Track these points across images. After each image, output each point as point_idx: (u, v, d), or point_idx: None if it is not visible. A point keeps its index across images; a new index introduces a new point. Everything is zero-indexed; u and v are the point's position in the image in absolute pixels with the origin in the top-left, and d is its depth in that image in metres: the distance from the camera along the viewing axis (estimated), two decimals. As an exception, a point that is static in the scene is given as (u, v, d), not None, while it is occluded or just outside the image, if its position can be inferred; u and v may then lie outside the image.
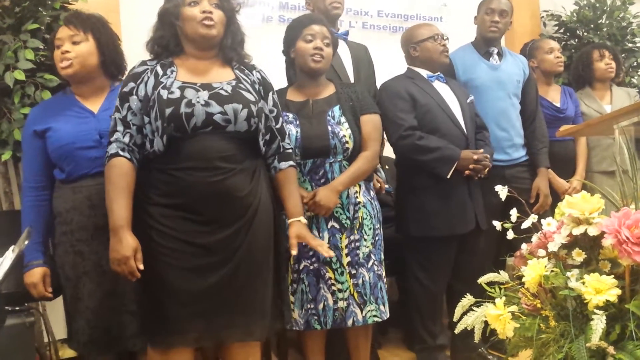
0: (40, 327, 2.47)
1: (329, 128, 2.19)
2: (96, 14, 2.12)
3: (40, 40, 2.41)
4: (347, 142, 2.19)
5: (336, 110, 2.24)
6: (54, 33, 2.11)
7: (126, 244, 1.70)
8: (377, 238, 2.28)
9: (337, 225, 2.19)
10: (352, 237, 2.20)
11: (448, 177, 2.45)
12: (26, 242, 1.55)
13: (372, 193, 2.33)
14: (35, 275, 1.97)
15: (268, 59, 2.59)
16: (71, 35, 2.00)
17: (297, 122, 2.20)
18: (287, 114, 2.22)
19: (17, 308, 2.24)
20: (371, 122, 2.28)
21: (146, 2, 2.96)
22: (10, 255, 1.48)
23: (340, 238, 2.19)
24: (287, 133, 2.08)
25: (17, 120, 2.37)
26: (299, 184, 2.13)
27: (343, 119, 2.22)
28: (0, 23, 2.44)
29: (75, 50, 1.99)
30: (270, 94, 1.99)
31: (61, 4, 2.55)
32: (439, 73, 2.67)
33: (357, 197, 2.23)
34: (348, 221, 2.20)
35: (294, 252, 1.94)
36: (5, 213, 2.60)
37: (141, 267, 1.72)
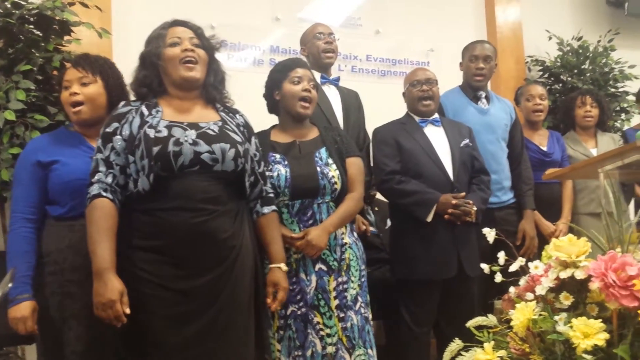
0: (20, 372, 2.40)
1: (318, 169, 2.18)
2: (103, 57, 2.13)
3: (32, 81, 2.43)
4: (335, 182, 2.19)
5: (323, 152, 2.25)
6: (62, 73, 2.12)
7: (112, 287, 1.65)
8: (362, 280, 2.25)
9: (324, 268, 2.15)
10: (339, 279, 2.16)
11: (428, 220, 2.46)
12: (10, 285, 1.53)
13: (355, 234, 2.31)
14: (24, 308, 1.83)
15: (259, 101, 2.62)
16: (80, 77, 2.00)
17: (286, 163, 2.19)
18: (274, 154, 2.22)
19: (-5, 352, 2.16)
20: (355, 164, 2.30)
21: (139, 44, 3.00)
22: (-8, 297, 1.46)
23: (328, 280, 2.14)
24: (277, 174, 2.11)
25: (5, 160, 2.35)
26: (286, 224, 2.14)
27: (330, 161, 2.23)
28: (-7, 64, 2.46)
29: (84, 92, 1.99)
30: (253, 137, 2.00)
31: (54, 46, 2.59)
32: (434, 116, 2.69)
33: (343, 239, 2.21)
34: (335, 263, 2.17)
35: (268, 300, 1.93)
36: (-10, 254, 2.56)
37: (127, 311, 1.67)
